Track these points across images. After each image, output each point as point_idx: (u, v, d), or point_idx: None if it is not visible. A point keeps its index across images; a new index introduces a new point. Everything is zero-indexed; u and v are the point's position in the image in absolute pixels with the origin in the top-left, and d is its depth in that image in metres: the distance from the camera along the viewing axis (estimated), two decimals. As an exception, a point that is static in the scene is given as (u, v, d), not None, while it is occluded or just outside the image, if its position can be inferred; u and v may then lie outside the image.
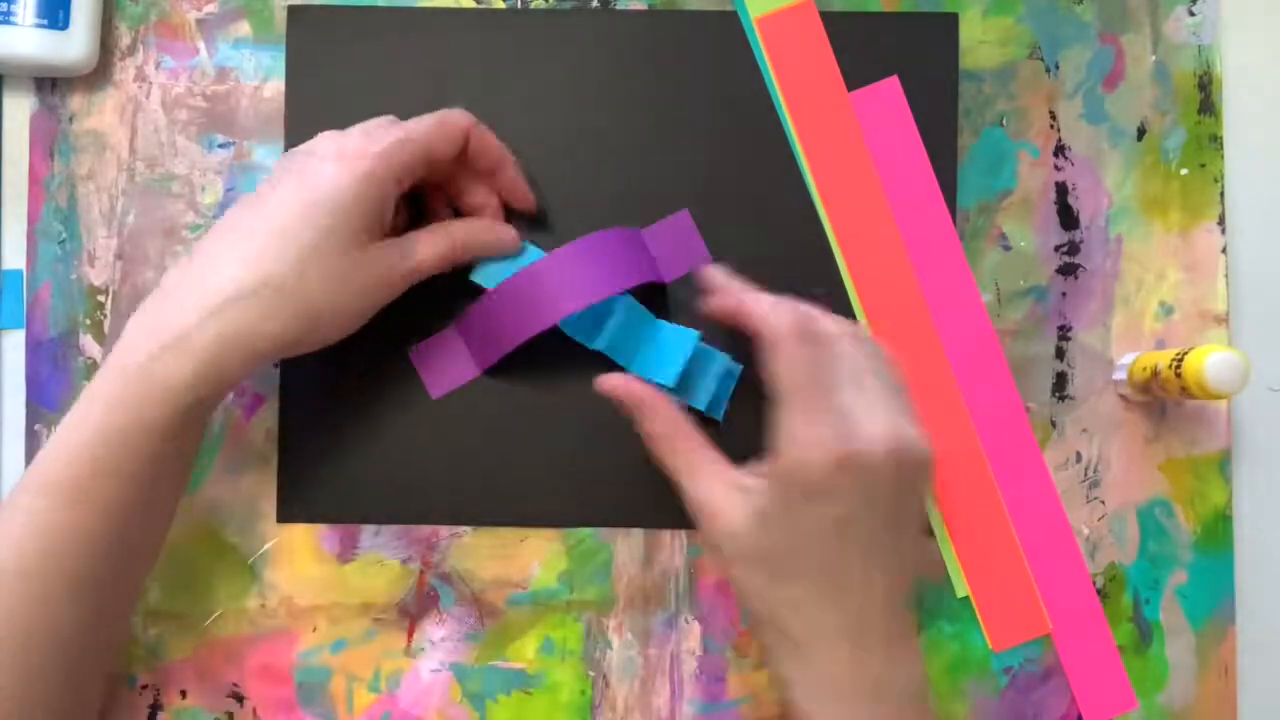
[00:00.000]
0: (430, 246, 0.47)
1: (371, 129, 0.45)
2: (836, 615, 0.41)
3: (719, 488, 0.43)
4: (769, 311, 0.43)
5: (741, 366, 0.51)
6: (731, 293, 0.45)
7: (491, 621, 0.51)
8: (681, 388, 0.50)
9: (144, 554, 0.45)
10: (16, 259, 0.52)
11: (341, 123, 0.51)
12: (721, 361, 0.50)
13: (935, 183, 0.52)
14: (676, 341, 0.49)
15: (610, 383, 0.46)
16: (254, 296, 0.42)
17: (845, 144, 0.52)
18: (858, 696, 0.41)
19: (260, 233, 0.43)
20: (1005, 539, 0.51)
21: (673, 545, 0.51)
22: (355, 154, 0.44)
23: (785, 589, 0.41)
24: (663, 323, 0.50)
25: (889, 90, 0.52)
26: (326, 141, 0.45)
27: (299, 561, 0.51)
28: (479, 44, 0.52)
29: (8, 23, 0.50)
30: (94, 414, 0.41)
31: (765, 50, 0.52)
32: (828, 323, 0.43)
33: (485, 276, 0.50)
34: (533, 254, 0.50)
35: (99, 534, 0.41)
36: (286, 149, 0.52)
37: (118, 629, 0.45)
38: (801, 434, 0.41)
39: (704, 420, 0.51)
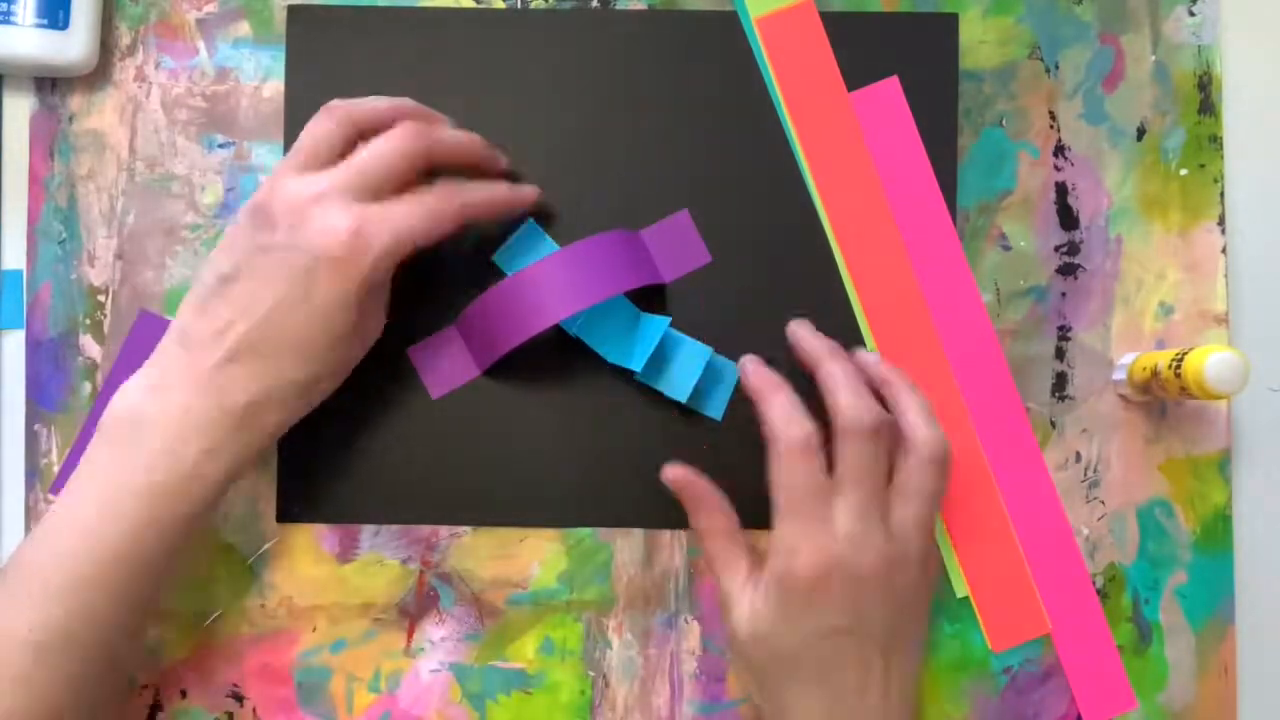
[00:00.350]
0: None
1: (361, 214, 0.43)
2: (831, 717, 0.44)
3: (739, 582, 0.46)
4: (777, 418, 0.45)
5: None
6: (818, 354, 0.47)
7: (491, 621, 0.51)
8: (662, 379, 0.50)
9: (148, 621, 0.48)
10: (16, 259, 0.52)
11: (341, 123, 0.51)
12: (703, 353, 0.50)
13: (935, 183, 0.52)
14: (647, 328, 0.49)
15: (672, 473, 0.47)
16: (283, 398, 0.44)
17: (845, 144, 0.52)
18: None
19: (273, 349, 0.43)
20: (1005, 539, 0.51)
21: (673, 545, 0.51)
22: (351, 259, 0.42)
23: (783, 688, 0.44)
24: (637, 310, 0.50)
25: (889, 90, 0.52)
26: (316, 228, 0.42)
27: (299, 561, 0.51)
28: (479, 44, 0.52)
29: (8, 23, 0.50)
30: (127, 510, 0.42)
31: (765, 50, 0.52)
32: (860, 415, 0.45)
33: (505, 260, 0.51)
34: (548, 245, 0.51)
35: (122, 617, 0.42)
36: (286, 149, 0.52)
37: (121, 686, 0.50)
38: (789, 541, 0.44)
39: (702, 418, 0.51)
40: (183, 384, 0.43)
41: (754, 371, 0.47)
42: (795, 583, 0.43)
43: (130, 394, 0.43)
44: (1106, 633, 0.51)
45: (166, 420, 0.42)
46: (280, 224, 0.43)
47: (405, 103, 0.47)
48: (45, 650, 0.41)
